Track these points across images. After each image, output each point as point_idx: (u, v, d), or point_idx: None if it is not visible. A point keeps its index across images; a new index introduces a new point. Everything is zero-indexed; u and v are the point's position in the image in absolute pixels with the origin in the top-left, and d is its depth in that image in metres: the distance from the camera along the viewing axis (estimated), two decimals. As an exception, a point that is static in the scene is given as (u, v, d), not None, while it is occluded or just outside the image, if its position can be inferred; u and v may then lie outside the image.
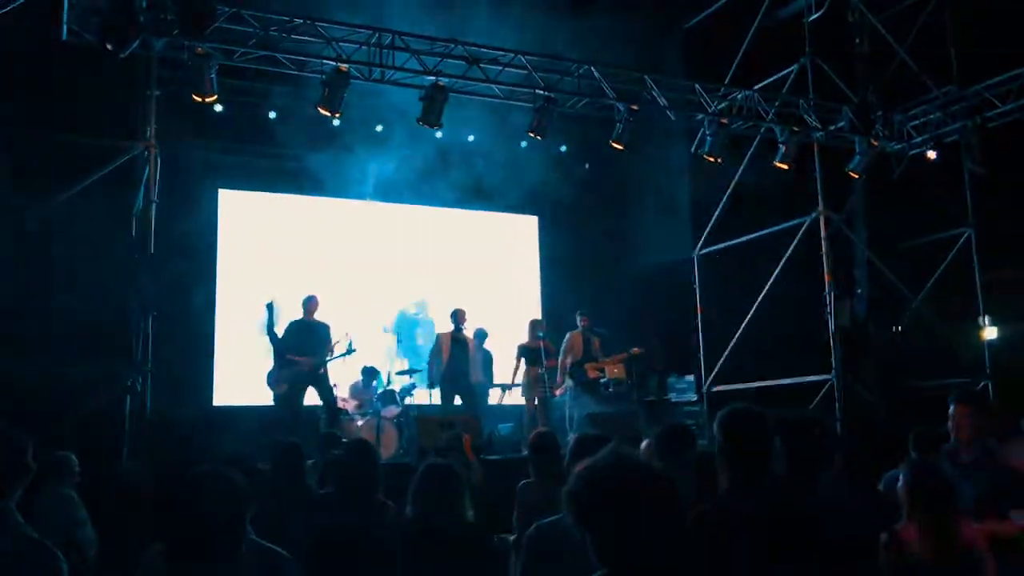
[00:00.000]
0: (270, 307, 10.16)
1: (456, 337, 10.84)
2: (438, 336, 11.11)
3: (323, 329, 10.09)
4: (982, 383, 11.92)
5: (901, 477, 3.79)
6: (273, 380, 10.28)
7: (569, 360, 10.85)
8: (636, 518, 2.02)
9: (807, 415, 3.21)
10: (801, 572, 2.86)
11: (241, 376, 11.74)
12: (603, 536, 2.04)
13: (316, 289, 10.79)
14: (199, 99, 8.60)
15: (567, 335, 11.04)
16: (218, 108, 10.94)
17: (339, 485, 4.35)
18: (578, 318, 11.21)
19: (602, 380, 11.45)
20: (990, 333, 12.45)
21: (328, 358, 10.11)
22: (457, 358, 10.74)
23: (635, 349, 11.30)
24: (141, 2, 8.05)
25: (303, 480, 4.63)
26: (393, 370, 11.26)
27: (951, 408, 4.68)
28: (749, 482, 2.99)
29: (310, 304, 10.12)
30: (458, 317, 10.92)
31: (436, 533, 3.77)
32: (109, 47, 7.67)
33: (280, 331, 10.12)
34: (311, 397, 10.29)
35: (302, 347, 9.87)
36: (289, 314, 10.50)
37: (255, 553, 2.61)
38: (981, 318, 12.36)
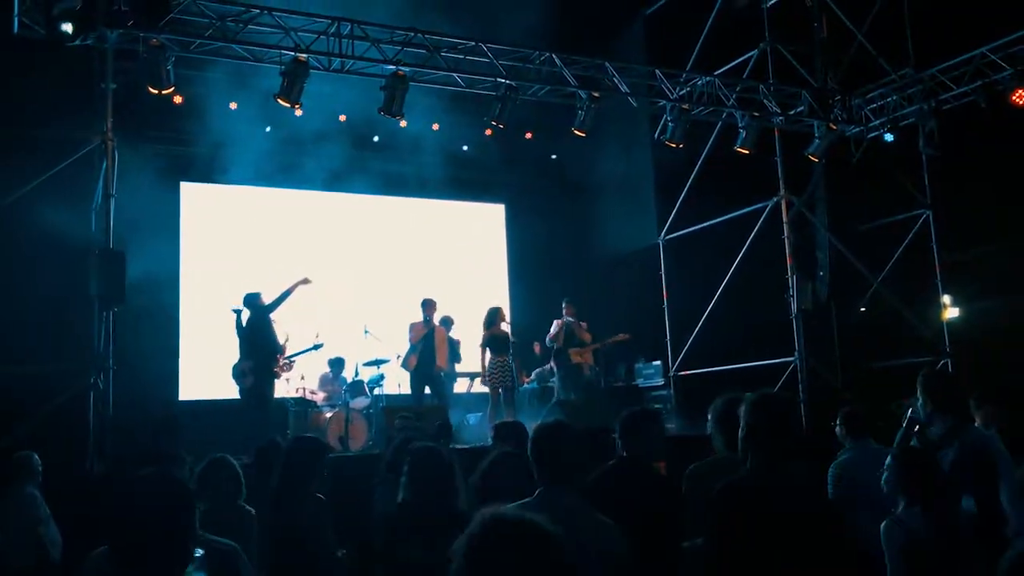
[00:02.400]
0: (238, 312, 10.19)
1: (425, 326, 10.83)
2: (413, 326, 11.04)
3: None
4: (942, 361, 12.13)
5: (893, 463, 3.86)
6: (239, 373, 10.24)
7: (554, 346, 10.97)
8: None
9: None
10: (818, 554, 2.95)
11: (207, 370, 11.67)
12: None
13: (280, 280, 10.73)
14: (155, 91, 8.50)
15: (554, 323, 11.13)
16: (177, 100, 10.81)
17: (280, 482, 4.37)
18: (564, 306, 11.29)
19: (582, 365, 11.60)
20: (951, 312, 12.68)
21: (295, 353, 10.11)
22: (425, 347, 10.73)
23: (620, 336, 11.44)
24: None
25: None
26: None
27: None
28: (773, 466, 3.08)
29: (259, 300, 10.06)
30: (428, 307, 10.90)
31: (426, 518, 3.80)
32: (66, 29, 7.53)
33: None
34: (279, 389, 10.27)
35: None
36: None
37: (208, 551, 2.59)
38: (941, 297, 12.57)
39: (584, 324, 11.28)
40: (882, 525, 3.72)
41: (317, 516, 4.34)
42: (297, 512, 4.22)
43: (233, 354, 10.30)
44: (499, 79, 9.98)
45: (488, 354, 10.84)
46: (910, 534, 3.61)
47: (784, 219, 11.76)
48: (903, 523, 3.65)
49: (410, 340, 10.77)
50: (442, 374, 10.91)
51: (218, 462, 4.52)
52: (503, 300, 13.83)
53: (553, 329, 11.14)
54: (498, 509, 1.87)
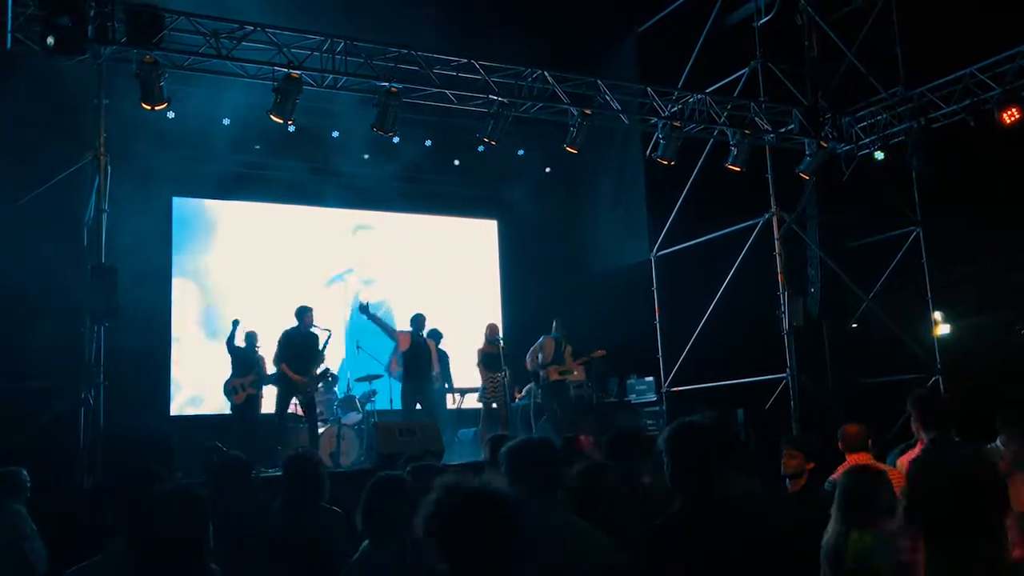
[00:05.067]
0: (236, 323, 10.22)
1: (416, 341, 10.82)
2: (399, 333, 11.05)
3: (316, 339, 10.15)
4: (933, 378, 12.16)
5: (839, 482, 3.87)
6: (230, 389, 10.24)
7: (539, 361, 10.90)
8: (479, 549, 1.96)
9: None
10: None
11: (198, 386, 11.67)
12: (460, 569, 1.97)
13: (274, 296, 10.75)
14: (149, 107, 8.53)
15: (541, 338, 11.09)
16: (170, 115, 10.83)
17: (284, 497, 4.34)
18: (556, 325, 11.29)
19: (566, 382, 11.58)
20: (942, 329, 12.72)
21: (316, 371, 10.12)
22: (417, 363, 10.71)
23: (598, 352, 11.39)
24: (88, 10, 7.96)
25: (250, 492, 4.59)
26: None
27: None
28: (700, 503, 2.97)
29: (308, 315, 10.14)
30: (418, 322, 10.90)
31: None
32: (52, 45, 7.56)
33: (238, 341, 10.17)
34: (267, 405, 10.27)
35: (302, 357, 9.93)
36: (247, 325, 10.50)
37: None
38: (932, 314, 12.61)
39: (569, 347, 11.24)
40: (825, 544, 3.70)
41: (328, 528, 4.29)
42: (307, 526, 4.18)
43: (224, 369, 10.32)
44: (491, 96, 10.03)
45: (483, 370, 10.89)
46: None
47: (775, 236, 11.80)
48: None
49: (397, 348, 10.80)
50: (435, 388, 10.88)
51: None
52: (496, 316, 13.85)
53: (539, 345, 11.08)
54: (456, 479, 2.04)
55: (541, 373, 10.88)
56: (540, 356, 10.94)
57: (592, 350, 11.49)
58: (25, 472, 6.07)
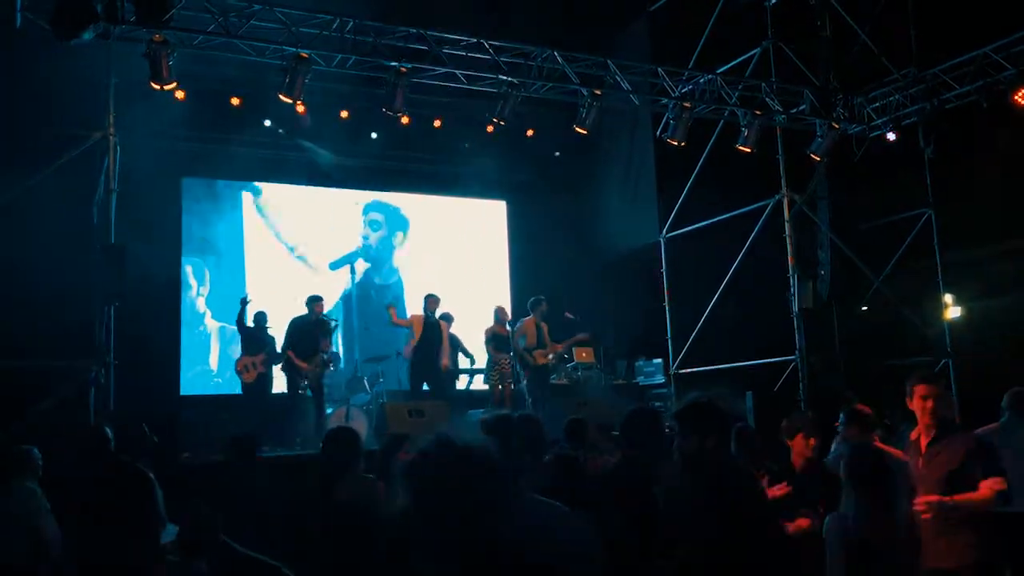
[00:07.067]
0: (244, 301, 10.26)
1: (428, 322, 10.82)
2: (411, 317, 11.07)
3: (324, 327, 10.35)
4: (943, 361, 12.12)
5: (842, 458, 3.90)
6: (240, 368, 10.29)
7: (522, 345, 10.86)
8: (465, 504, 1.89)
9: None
10: None
11: (209, 365, 11.71)
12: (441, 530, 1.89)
13: (285, 277, 10.73)
14: (158, 87, 8.51)
15: (520, 321, 11.06)
16: (180, 95, 10.80)
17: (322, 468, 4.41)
18: (541, 305, 11.17)
19: (569, 364, 11.56)
20: (953, 311, 12.66)
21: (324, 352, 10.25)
22: (427, 344, 10.73)
23: (581, 335, 11.32)
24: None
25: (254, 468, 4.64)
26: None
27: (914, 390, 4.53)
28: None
29: (318, 304, 10.39)
30: (429, 303, 10.90)
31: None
32: (62, 25, 7.55)
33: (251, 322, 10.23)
34: (278, 384, 10.32)
35: (308, 345, 10.11)
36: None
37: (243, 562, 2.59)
38: (943, 297, 12.55)
39: (545, 325, 11.12)
40: (827, 519, 3.80)
41: (368, 496, 4.35)
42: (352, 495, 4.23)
43: (234, 347, 10.35)
44: (501, 76, 9.98)
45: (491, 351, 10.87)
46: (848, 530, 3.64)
47: (785, 217, 11.75)
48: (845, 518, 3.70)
49: (409, 328, 10.83)
50: (442, 371, 10.89)
51: None
52: (504, 297, 13.85)
53: (519, 328, 10.95)
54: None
55: (528, 357, 10.80)
56: (522, 340, 10.85)
57: (587, 333, 11.42)
58: (37, 451, 6.11)
